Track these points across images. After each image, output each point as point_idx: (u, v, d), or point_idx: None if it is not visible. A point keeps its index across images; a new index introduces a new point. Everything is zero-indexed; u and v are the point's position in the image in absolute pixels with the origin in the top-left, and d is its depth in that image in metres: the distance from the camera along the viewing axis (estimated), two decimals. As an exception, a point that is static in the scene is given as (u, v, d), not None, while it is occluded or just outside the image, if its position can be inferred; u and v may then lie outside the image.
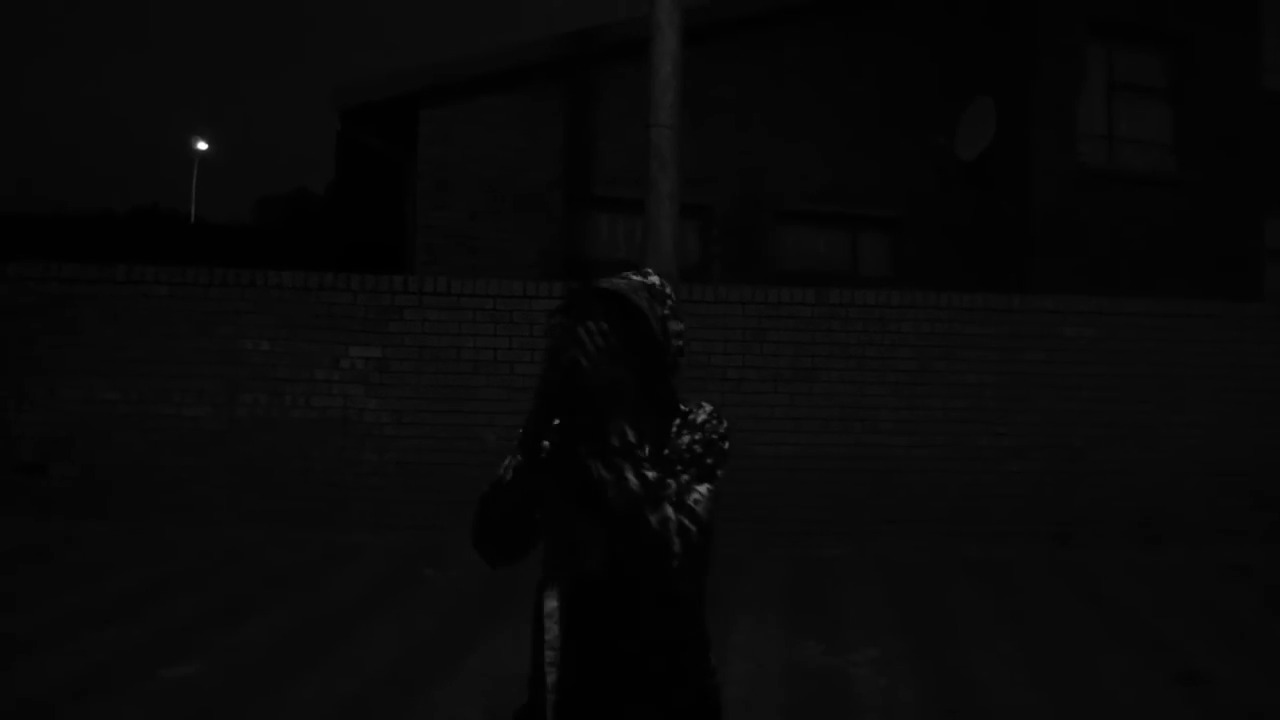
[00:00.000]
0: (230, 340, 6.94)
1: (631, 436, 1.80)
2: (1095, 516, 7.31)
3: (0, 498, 6.78)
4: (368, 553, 6.47)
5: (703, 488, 1.84)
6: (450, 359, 7.04)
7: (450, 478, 6.99)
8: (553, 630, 1.91)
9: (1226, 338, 7.50)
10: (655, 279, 2.05)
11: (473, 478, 7.00)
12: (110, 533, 6.61)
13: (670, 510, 1.77)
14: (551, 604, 1.92)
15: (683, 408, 1.98)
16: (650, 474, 1.78)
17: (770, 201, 10.29)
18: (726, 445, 1.93)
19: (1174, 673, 4.62)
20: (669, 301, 2.01)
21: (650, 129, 5.61)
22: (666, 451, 1.90)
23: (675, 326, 2.00)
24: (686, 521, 1.78)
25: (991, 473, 7.27)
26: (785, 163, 10.30)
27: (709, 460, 1.89)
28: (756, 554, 6.63)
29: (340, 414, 6.97)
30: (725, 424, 1.96)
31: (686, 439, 1.91)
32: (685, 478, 1.84)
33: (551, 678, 1.89)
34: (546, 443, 1.93)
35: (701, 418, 1.94)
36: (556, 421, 1.92)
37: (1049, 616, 5.54)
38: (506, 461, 1.97)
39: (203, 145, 48.88)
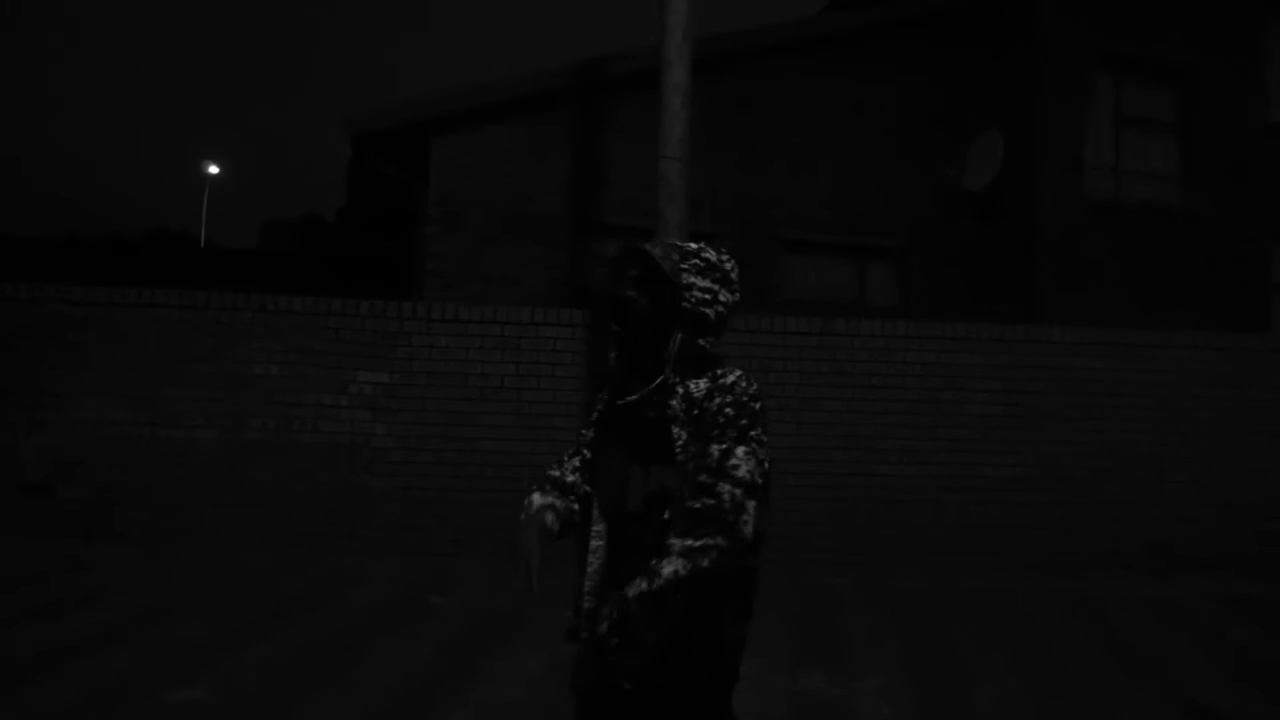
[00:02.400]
0: (239, 364, 6.99)
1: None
2: (1101, 548, 7.29)
3: (7, 519, 6.81)
4: (374, 578, 6.47)
5: (740, 450, 2.04)
6: (458, 384, 7.07)
7: (457, 504, 7.01)
8: (594, 564, 2.20)
9: (1234, 369, 7.50)
10: (710, 252, 2.34)
11: (480, 503, 7.03)
12: (117, 555, 6.63)
13: (725, 486, 2.00)
14: (597, 542, 2.21)
15: (718, 371, 2.19)
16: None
17: (778, 231, 10.35)
18: (758, 405, 2.13)
19: (1182, 706, 4.60)
20: (698, 264, 2.28)
21: (660, 161, 5.66)
22: (697, 412, 2.12)
23: (700, 283, 2.26)
24: (732, 489, 2.01)
25: (997, 503, 7.27)
26: (793, 193, 10.37)
27: (743, 422, 2.07)
28: (760, 581, 6.61)
29: (348, 439, 7.00)
30: (755, 385, 2.16)
31: (718, 401, 2.11)
32: (725, 445, 2.05)
33: (589, 604, 2.17)
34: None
35: (731, 379, 2.14)
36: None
37: (1054, 648, 5.52)
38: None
39: (214, 169, 49.29)
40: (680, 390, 2.15)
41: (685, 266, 2.25)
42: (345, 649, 5.06)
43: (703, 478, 2.02)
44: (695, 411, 2.11)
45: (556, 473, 2.35)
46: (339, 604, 5.89)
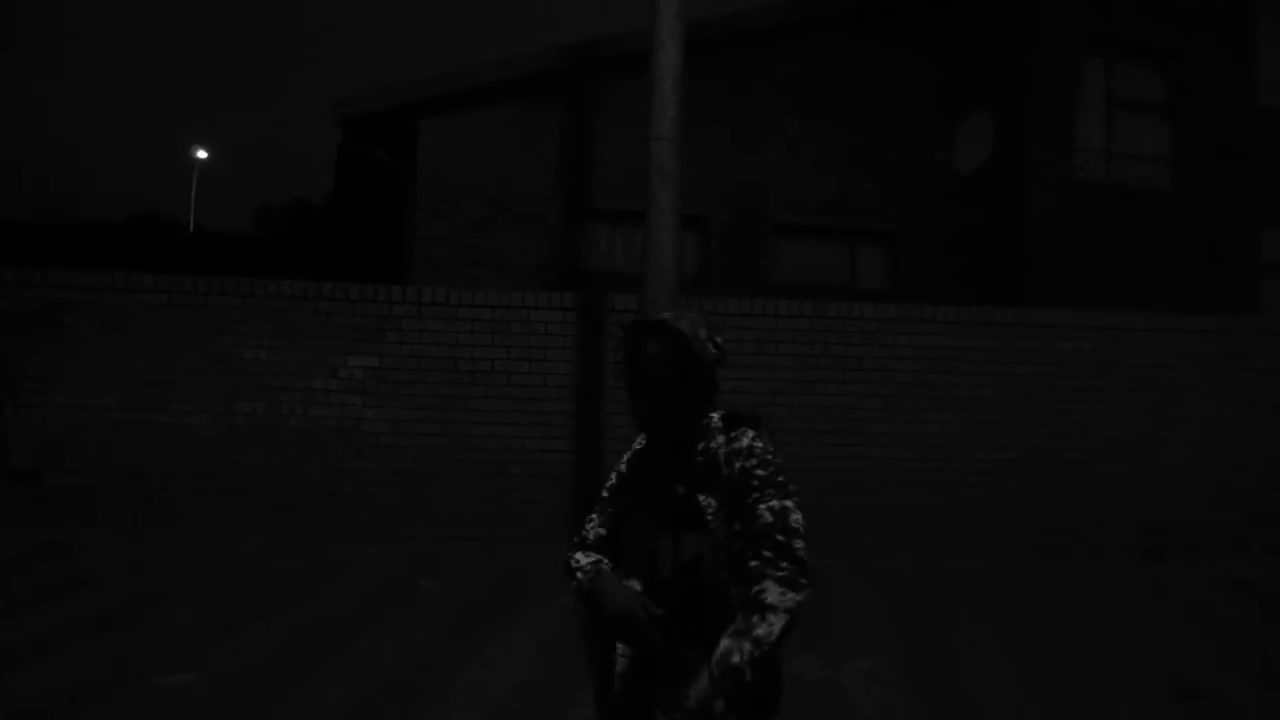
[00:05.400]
0: (228, 349, 6.95)
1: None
2: (1092, 530, 7.32)
3: (-4, 505, 6.78)
4: (365, 562, 6.46)
5: (790, 503, 2.09)
6: (448, 369, 7.05)
7: (447, 487, 7.00)
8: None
9: (1223, 352, 7.51)
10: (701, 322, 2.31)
11: (470, 487, 7.02)
12: (106, 540, 6.60)
13: (797, 541, 2.07)
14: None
15: (731, 434, 2.19)
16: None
17: (769, 214, 10.32)
18: (778, 459, 2.15)
19: (1173, 688, 4.62)
20: (711, 335, 2.27)
21: (650, 142, 5.63)
22: (723, 475, 2.13)
23: (713, 353, 2.26)
24: (800, 540, 2.07)
25: (988, 486, 7.28)
26: (784, 176, 10.34)
27: (779, 478, 2.11)
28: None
29: (338, 423, 6.98)
30: (768, 441, 2.18)
31: (740, 466, 2.13)
32: (773, 503, 2.08)
33: (622, 666, 2.18)
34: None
35: (746, 442, 2.16)
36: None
37: (1045, 630, 5.54)
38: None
39: (202, 153, 48.99)
40: (701, 458, 2.17)
41: (704, 337, 2.23)
42: (337, 633, 5.05)
43: (779, 538, 2.06)
44: (718, 475, 2.13)
45: (589, 536, 2.32)
46: (330, 588, 5.88)
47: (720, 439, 2.17)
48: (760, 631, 1.98)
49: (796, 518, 2.08)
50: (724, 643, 2.00)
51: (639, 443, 2.34)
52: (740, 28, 10.22)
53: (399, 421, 7.01)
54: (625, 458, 2.36)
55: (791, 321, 7.25)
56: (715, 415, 2.22)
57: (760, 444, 2.15)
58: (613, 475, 2.36)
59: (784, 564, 2.04)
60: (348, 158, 12.25)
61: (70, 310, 6.91)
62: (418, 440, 7.01)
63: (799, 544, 2.06)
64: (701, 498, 2.11)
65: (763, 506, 2.08)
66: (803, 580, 2.03)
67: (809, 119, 10.44)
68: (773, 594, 2.00)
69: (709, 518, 2.10)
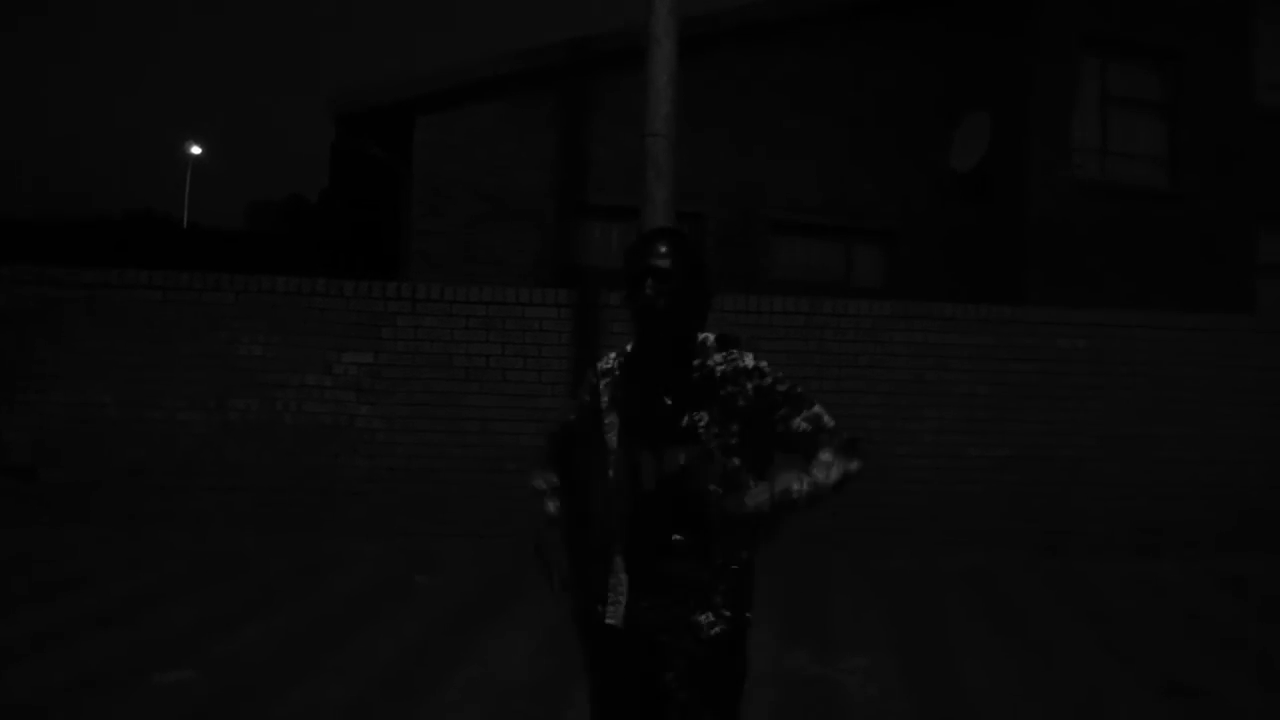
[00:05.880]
0: (222, 345, 6.92)
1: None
2: (1088, 528, 7.32)
3: (-10, 501, 6.75)
4: (359, 559, 6.45)
5: (818, 408, 2.28)
6: (443, 365, 7.03)
7: (442, 484, 6.98)
8: (620, 586, 2.26)
9: (1221, 350, 7.52)
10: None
11: (465, 484, 7.01)
12: (100, 537, 6.58)
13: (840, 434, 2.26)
14: (620, 567, 2.27)
15: (730, 352, 2.29)
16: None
17: (766, 212, 10.32)
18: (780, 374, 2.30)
19: (1167, 685, 4.62)
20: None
21: (646, 139, 5.62)
22: (723, 393, 2.22)
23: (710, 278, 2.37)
24: (843, 433, 2.27)
25: (984, 483, 7.28)
26: (781, 174, 10.33)
27: (799, 389, 2.27)
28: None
29: (332, 420, 6.96)
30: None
31: (752, 386, 2.23)
32: (810, 411, 2.25)
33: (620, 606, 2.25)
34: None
35: (752, 362, 2.28)
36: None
37: (1041, 628, 5.54)
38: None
39: (196, 149, 48.96)
40: (697, 374, 2.23)
41: (706, 263, 2.34)
42: (333, 630, 5.04)
43: (824, 437, 2.24)
44: (714, 392, 2.20)
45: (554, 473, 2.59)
46: (326, 585, 5.87)
47: (717, 356, 2.26)
48: (820, 476, 2.19)
49: (828, 418, 2.26)
50: (784, 476, 2.19)
51: (607, 362, 2.40)
52: (736, 24, 10.21)
53: (393, 418, 6.99)
54: (599, 371, 2.41)
55: (787, 318, 7.24)
56: (709, 335, 2.31)
57: (765, 363, 2.28)
58: (584, 395, 2.44)
59: (841, 449, 2.24)
60: (343, 154, 12.25)
61: (65, 307, 6.88)
62: (412, 436, 6.99)
63: (843, 434, 2.25)
64: (693, 412, 2.19)
65: (798, 419, 2.23)
66: (857, 454, 2.25)
67: (807, 118, 10.44)
68: (828, 454, 2.21)
69: (700, 431, 2.19)
